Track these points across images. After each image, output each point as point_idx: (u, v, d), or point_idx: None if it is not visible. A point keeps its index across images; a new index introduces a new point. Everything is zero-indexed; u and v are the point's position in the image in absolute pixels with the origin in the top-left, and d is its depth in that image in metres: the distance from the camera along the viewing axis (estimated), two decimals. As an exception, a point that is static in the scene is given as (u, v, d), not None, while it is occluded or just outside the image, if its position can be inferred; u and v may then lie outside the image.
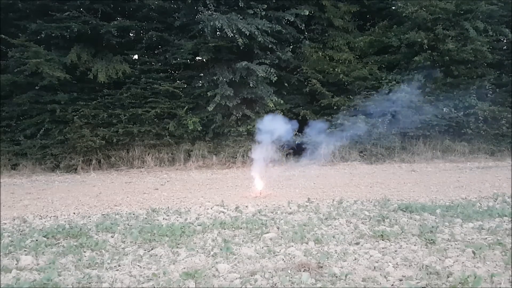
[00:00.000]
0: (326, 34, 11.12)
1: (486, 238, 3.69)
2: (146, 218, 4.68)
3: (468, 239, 3.69)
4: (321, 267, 3.00)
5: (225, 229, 4.08)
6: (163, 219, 4.63)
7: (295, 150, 10.03)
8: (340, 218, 4.45)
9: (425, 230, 3.87)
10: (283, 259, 3.19)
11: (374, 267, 3.01)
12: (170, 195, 6.28)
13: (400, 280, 2.79)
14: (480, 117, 10.37)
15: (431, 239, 3.59)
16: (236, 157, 9.83)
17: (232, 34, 8.97)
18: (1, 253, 3.43)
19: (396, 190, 6.41)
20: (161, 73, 10.18)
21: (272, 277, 2.85)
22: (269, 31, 9.61)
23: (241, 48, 9.38)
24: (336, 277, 2.82)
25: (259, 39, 9.37)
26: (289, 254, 3.30)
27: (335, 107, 10.48)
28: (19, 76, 9.08)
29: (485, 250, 3.29)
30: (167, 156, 9.88)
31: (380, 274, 2.88)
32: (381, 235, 3.73)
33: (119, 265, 3.16)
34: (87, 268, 3.10)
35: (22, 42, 8.99)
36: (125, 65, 9.69)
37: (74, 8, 9.24)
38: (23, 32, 9.36)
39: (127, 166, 9.60)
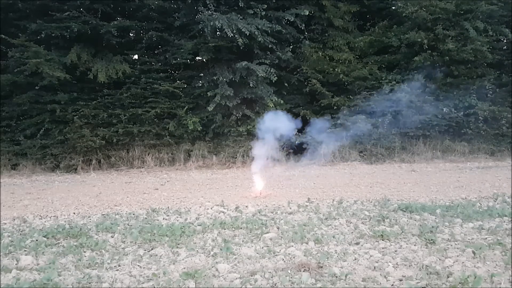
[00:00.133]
0: (326, 34, 11.12)
1: (486, 238, 3.69)
2: (146, 218, 4.68)
3: (468, 239, 3.69)
4: (321, 267, 3.00)
5: (225, 229, 4.08)
6: (163, 219, 4.63)
7: (295, 150, 10.04)
8: (340, 218, 4.45)
9: (425, 230, 3.87)
10: (283, 259, 3.19)
11: (374, 267, 3.01)
12: (170, 195, 6.28)
13: (400, 280, 2.79)
14: (480, 117, 10.36)
15: (431, 239, 3.58)
16: (236, 157, 9.84)
17: (232, 34, 8.97)
18: (1, 253, 3.43)
19: (396, 190, 6.41)
20: (161, 73, 10.18)
21: (272, 277, 2.85)
22: (269, 31, 9.61)
23: (241, 48, 9.38)
24: (336, 277, 2.82)
25: (259, 39, 9.37)
26: (289, 254, 3.30)
27: (335, 107, 10.47)
28: (19, 76, 9.08)
29: (485, 250, 3.29)
30: (167, 156, 9.88)
31: (380, 274, 2.88)
32: (381, 235, 3.73)
33: (119, 265, 3.16)
34: (87, 268, 3.10)
35: (22, 42, 9.00)
36: (125, 65, 9.69)
37: (74, 8, 9.24)
38: (23, 32, 9.35)
39: (127, 166, 9.60)
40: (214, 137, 10.28)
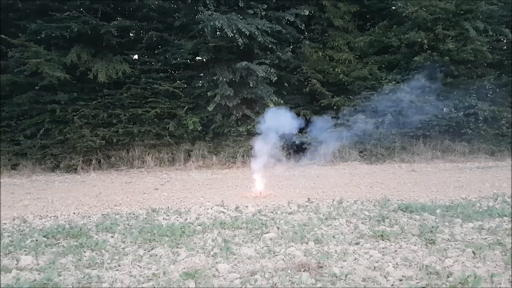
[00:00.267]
0: (326, 34, 11.12)
1: (486, 238, 3.69)
2: (146, 218, 4.68)
3: (468, 239, 3.69)
4: (321, 267, 3.00)
5: (225, 229, 4.08)
6: (163, 219, 4.63)
7: (295, 150, 10.04)
8: (340, 218, 4.45)
9: (425, 230, 3.87)
10: (283, 259, 3.19)
11: (374, 267, 3.01)
12: (170, 195, 6.28)
13: (400, 280, 2.79)
14: (480, 117, 10.36)
15: (431, 239, 3.58)
16: (236, 157, 9.84)
17: (232, 34, 8.96)
18: (1, 253, 3.43)
19: (396, 190, 6.41)
20: (161, 73, 10.18)
21: (272, 277, 2.85)
22: (269, 31, 9.61)
23: (241, 48, 9.38)
24: (336, 277, 2.82)
25: (259, 39, 9.37)
26: (289, 254, 3.30)
27: (335, 107, 10.47)
28: (19, 76, 9.09)
29: (485, 250, 3.29)
30: (167, 156, 9.89)
31: (380, 274, 2.88)
32: (381, 235, 3.73)
33: (119, 265, 3.16)
34: (87, 268, 3.10)
35: (22, 42, 9.00)
36: (125, 65, 9.69)
37: (74, 8, 9.24)
38: (23, 32, 9.36)
39: (127, 166, 9.60)
40: (214, 137, 10.28)
